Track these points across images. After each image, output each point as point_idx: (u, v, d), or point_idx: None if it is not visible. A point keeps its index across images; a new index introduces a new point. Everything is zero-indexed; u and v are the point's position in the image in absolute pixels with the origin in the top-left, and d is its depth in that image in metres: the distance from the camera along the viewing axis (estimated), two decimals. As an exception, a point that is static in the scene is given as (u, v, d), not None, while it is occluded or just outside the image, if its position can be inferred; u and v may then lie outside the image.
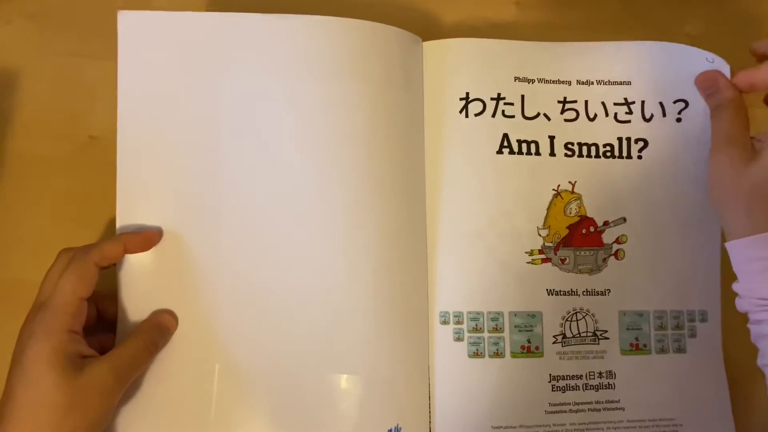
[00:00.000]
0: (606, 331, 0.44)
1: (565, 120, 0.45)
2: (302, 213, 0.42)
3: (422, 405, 0.43)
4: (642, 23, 0.51)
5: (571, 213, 0.45)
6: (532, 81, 0.45)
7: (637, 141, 0.45)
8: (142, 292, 0.41)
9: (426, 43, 0.45)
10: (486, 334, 0.43)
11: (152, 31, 0.42)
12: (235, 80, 0.42)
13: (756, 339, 0.39)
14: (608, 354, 0.44)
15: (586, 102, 0.46)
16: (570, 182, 0.45)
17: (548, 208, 0.45)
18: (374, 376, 0.41)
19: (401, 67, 0.44)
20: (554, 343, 0.44)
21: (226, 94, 0.42)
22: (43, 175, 0.47)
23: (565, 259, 0.45)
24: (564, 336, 0.44)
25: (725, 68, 0.45)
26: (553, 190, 0.45)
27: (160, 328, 0.40)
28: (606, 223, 0.45)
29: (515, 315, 0.44)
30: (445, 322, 0.43)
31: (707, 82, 0.45)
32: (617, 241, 0.45)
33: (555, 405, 0.43)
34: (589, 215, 0.45)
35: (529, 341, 0.44)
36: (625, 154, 0.45)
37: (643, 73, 0.46)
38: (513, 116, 0.45)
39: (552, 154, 0.45)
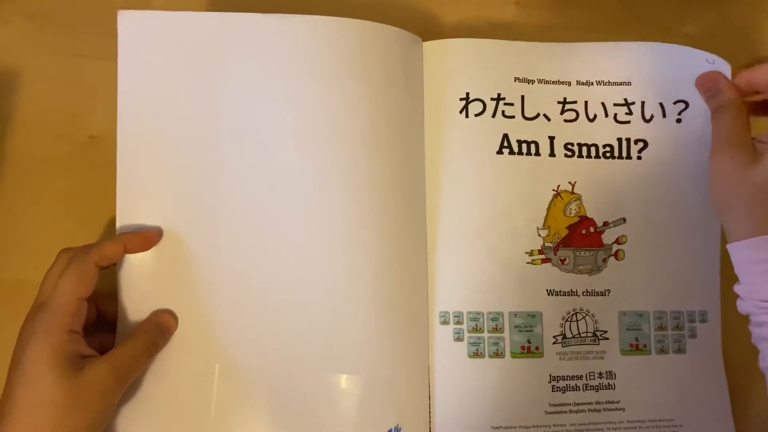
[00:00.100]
0: (606, 332, 0.44)
1: (565, 120, 0.45)
2: (302, 213, 0.42)
3: (422, 405, 0.43)
4: (642, 23, 0.51)
5: (570, 213, 0.45)
6: (532, 81, 0.45)
7: (636, 142, 0.45)
8: (142, 292, 0.41)
9: (426, 44, 0.45)
10: (486, 335, 0.43)
11: (152, 31, 0.42)
12: (235, 80, 0.42)
13: (757, 341, 0.39)
14: (608, 354, 0.44)
15: (586, 102, 0.46)
16: (570, 183, 0.45)
17: (548, 209, 0.45)
18: (374, 376, 0.41)
19: (401, 67, 0.44)
20: (554, 343, 0.44)
21: (226, 94, 0.42)
22: (43, 175, 0.47)
23: (565, 259, 0.45)
24: (564, 336, 0.44)
25: (726, 68, 0.45)
26: (553, 190, 0.45)
27: (160, 328, 0.40)
28: (606, 224, 0.45)
29: (515, 315, 0.44)
30: (445, 322, 0.43)
31: (708, 83, 0.44)
32: (617, 241, 0.45)
33: (555, 405, 0.43)
34: (588, 216, 0.45)
35: (529, 341, 0.44)
36: (624, 154, 0.45)
37: (644, 73, 0.46)
38: (513, 116, 0.45)
39: (552, 154, 0.45)
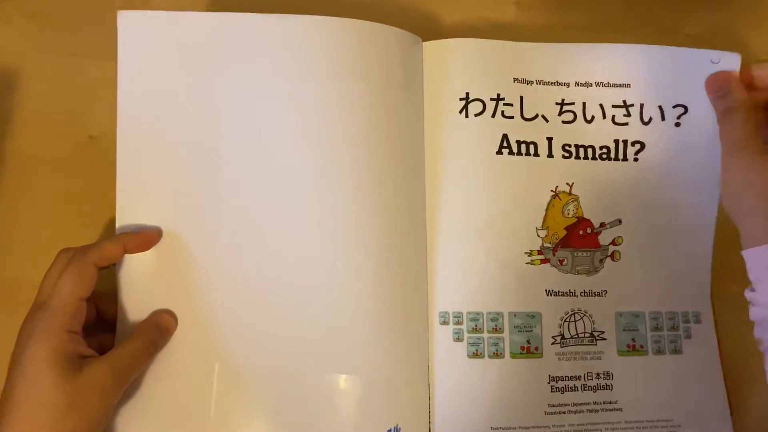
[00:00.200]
0: (603, 332, 0.44)
1: (563, 122, 0.45)
2: (302, 213, 0.42)
3: (422, 405, 0.43)
4: (642, 23, 0.51)
5: (568, 214, 0.45)
6: (531, 82, 0.45)
7: (634, 143, 0.45)
8: (141, 292, 0.41)
9: (426, 44, 0.45)
10: (485, 335, 0.43)
11: (152, 31, 0.42)
12: (235, 80, 0.42)
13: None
14: (605, 355, 0.44)
15: (584, 104, 0.46)
16: (568, 183, 0.45)
17: (547, 209, 0.45)
18: (374, 376, 0.41)
19: (401, 68, 0.44)
20: (553, 343, 0.44)
21: (226, 94, 0.42)
22: (43, 175, 0.47)
23: (564, 260, 0.45)
24: (563, 337, 0.44)
25: (735, 61, 0.45)
26: (552, 191, 0.45)
27: (160, 328, 0.40)
28: (602, 225, 0.45)
29: (515, 315, 0.44)
30: (444, 323, 0.43)
31: (718, 83, 0.44)
32: (613, 242, 0.45)
33: (554, 406, 0.43)
34: (586, 217, 0.45)
35: (528, 342, 0.44)
36: (621, 156, 0.45)
37: (644, 76, 0.46)
38: (512, 117, 0.45)
39: (550, 155, 0.45)
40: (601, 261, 0.45)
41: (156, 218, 0.41)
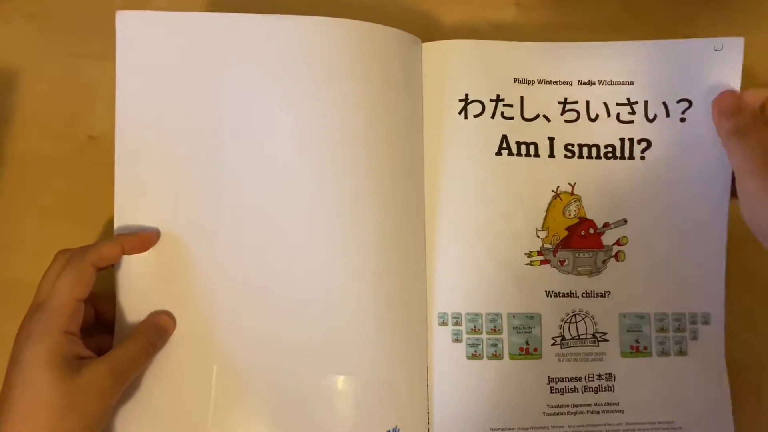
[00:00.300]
0: (605, 333, 0.44)
1: (566, 121, 0.45)
2: (301, 214, 0.42)
3: (421, 406, 0.43)
4: (642, 23, 0.51)
5: (570, 215, 0.45)
6: (532, 82, 0.45)
7: (640, 141, 0.45)
8: (140, 293, 0.41)
9: (425, 45, 0.45)
10: (484, 336, 0.43)
11: (151, 31, 0.42)
12: (235, 80, 0.42)
13: None
14: (608, 356, 0.44)
15: (588, 102, 0.45)
16: (569, 184, 0.45)
17: (547, 210, 0.44)
18: (373, 377, 0.41)
19: (401, 68, 0.44)
20: (553, 344, 0.44)
21: (226, 94, 0.42)
22: (43, 175, 0.47)
23: (564, 260, 0.44)
24: (563, 338, 0.44)
25: (739, 46, 0.44)
26: (552, 191, 0.44)
27: (158, 329, 0.40)
28: (606, 225, 0.45)
29: (514, 316, 0.44)
30: (443, 323, 0.43)
31: (727, 102, 0.43)
32: (618, 242, 0.45)
33: (553, 407, 0.43)
34: (588, 217, 0.45)
35: (527, 343, 0.43)
36: (627, 155, 0.45)
37: (646, 72, 0.45)
38: (512, 118, 0.45)
39: (551, 155, 0.45)
40: (604, 262, 0.45)
41: (155, 218, 0.41)
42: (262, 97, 0.42)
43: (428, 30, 0.48)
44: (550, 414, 0.43)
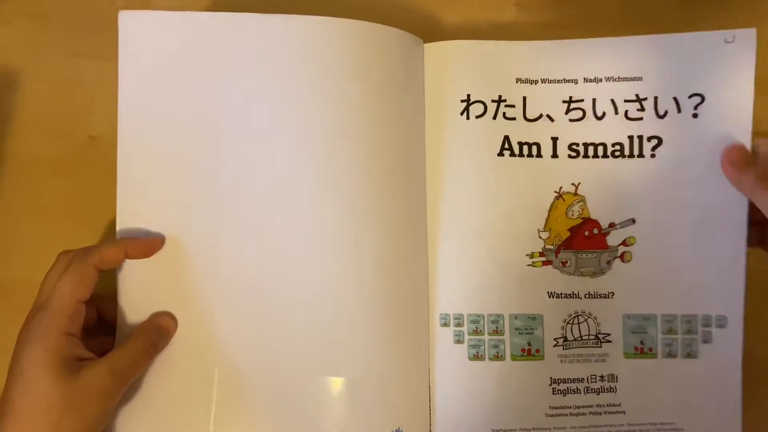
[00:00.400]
0: (609, 335, 0.44)
1: (570, 120, 0.44)
2: (302, 214, 0.41)
3: (422, 407, 0.43)
4: (642, 23, 0.51)
5: (573, 215, 0.44)
6: (535, 82, 0.45)
7: (650, 139, 0.44)
8: (141, 294, 0.41)
9: (427, 45, 0.45)
10: (486, 337, 0.43)
11: (153, 30, 0.42)
12: (236, 80, 0.42)
13: None
14: (610, 357, 0.44)
15: (594, 100, 0.44)
16: (573, 184, 0.44)
17: (549, 211, 0.44)
18: (375, 378, 0.41)
19: (402, 69, 0.44)
20: (555, 346, 0.44)
21: (227, 94, 0.42)
22: (43, 175, 0.47)
23: (567, 261, 0.44)
24: (565, 339, 0.44)
25: (750, 38, 0.42)
26: (555, 192, 0.44)
27: (160, 329, 0.39)
28: (612, 225, 0.44)
29: (516, 318, 0.43)
30: (445, 325, 0.43)
31: (738, 155, 0.42)
32: (624, 243, 0.44)
33: (555, 408, 0.43)
34: (593, 217, 0.44)
35: (529, 344, 0.43)
36: (636, 153, 0.44)
37: (655, 67, 0.44)
38: (514, 118, 0.44)
39: (554, 155, 0.44)
40: (609, 262, 0.44)
41: (156, 219, 0.41)
42: (262, 97, 0.42)
43: (429, 30, 0.48)
44: (552, 415, 0.43)
